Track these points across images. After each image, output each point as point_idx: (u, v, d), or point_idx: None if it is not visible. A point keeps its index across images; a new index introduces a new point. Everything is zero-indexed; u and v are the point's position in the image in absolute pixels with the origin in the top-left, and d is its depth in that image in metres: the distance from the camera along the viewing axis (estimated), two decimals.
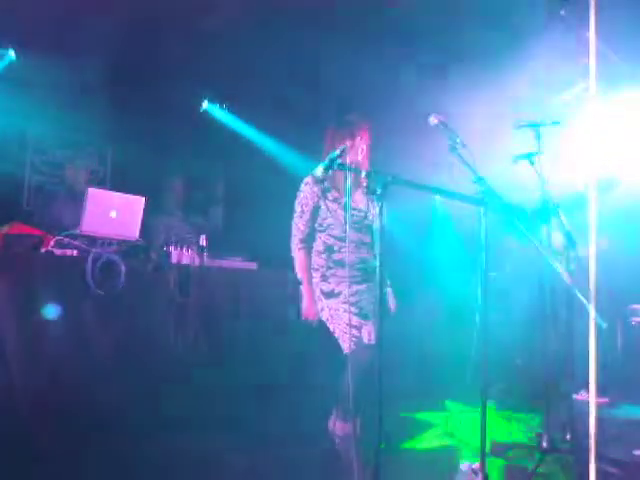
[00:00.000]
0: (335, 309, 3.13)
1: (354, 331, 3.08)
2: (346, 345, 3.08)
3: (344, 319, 3.09)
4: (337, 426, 3.13)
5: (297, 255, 3.24)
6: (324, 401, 3.28)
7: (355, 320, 3.10)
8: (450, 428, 3.93)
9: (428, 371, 5.12)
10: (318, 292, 3.20)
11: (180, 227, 5.17)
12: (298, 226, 3.24)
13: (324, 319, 3.19)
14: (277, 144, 5.92)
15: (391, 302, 3.32)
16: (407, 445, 3.58)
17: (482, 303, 2.51)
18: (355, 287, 3.14)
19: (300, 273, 3.24)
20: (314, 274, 3.23)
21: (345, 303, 3.10)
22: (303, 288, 3.23)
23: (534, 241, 2.89)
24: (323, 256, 3.21)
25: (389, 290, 3.32)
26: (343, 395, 3.09)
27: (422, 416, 4.20)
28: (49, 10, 4.27)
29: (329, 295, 3.16)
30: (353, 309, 3.10)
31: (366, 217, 3.26)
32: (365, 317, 3.12)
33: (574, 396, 4.47)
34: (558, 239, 3.57)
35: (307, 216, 3.22)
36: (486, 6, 4.71)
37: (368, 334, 3.07)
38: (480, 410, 2.40)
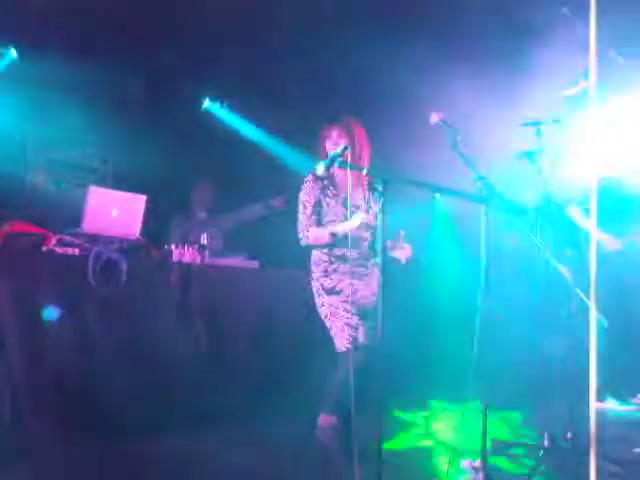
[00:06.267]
0: (335, 307, 3.14)
1: (351, 331, 3.09)
2: (341, 344, 3.10)
3: (343, 318, 3.11)
4: (321, 418, 3.15)
5: (309, 234, 3.21)
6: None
7: (354, 319, 3.11)
8: (430, 428, 3.92)
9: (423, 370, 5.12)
10: (319, 287, 3.21)
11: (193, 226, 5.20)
12: (302, 222, 3.26)
13: (322, 315, 3.20)
14: (278, 143, 5.93)
15: (402, 252, 3.15)
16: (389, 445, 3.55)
17: (482, 302, 2.52)
18: (355, 283, 3.15)
19: (323, 238, 3.17)
20: (315, 269, 3.24)
21: (345, 302, 3.11)
22: (337, 233, 3.14)
23: (535, 240, 2.90)
24: (325, 251, 3.22)
25: (401, 235, 3.15)
26: (332, 391, 3.12)
27: (405, 416, 4.18)
28: (50, 9, 4.27)
29: (330, 292, 3.17)
30: (353, 309, 3.11)
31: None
32: (363, 317, 3.12)
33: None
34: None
35: (310, 211, 3.23)
36: (487, 5, 4.72)
37: (363, 335, 3.08)
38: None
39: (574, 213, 4.48)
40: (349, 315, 3.11)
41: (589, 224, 4.42)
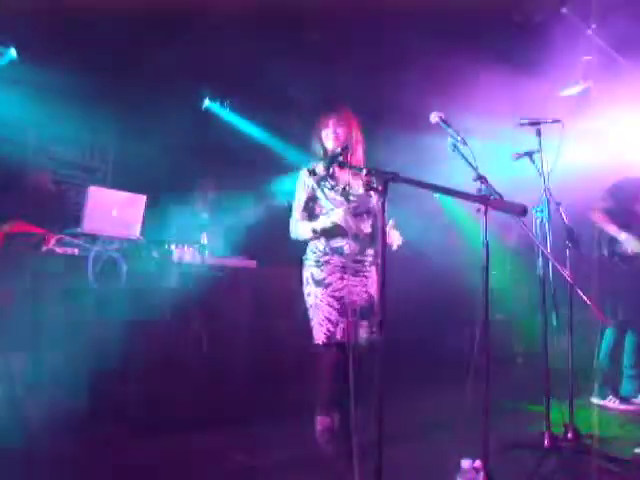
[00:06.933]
0: (320, 299, 3.11)
1: (330, 326, 3.08)
2: (318, 337, 3.09)
3: (324, 311, 3.09)
4: (317, 420, 3.13)
5: (298, 225, 3.20)
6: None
7: (334, 315, 3.08)
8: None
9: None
10: (309, 276, 3.17)
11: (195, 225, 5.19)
12: (294, 215, 3.25)
13: (307, 304, 3.17)
14: (279, 142, 5.94)
15: (393, 238, 3.07)
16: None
17: (484, 301, 2.52)
18: (346, 279, 3.10)
19: (308, 228, 3.15)
20: (309, 257, 3.21)
21: (331, 296, 3.09)
22: (321, 225, 3.13)
23: (535, 239, 2.89)
24: (322, 241, 3.17)
25: (391, 224, 3.10)
26: (320, 392, 3.11)
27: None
28: (50, 9, 4.27)
29: (318, 283, 3.13)
30: (336, 304, 3.09)
31: (365, 203, 3.22)
32: (349, 314, 3.08)
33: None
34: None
35: (302, 206, 3.22)
36: (488, 6, 4.72)
37: (342, 331, 3.05)
38: None
39: (597, 217, 4.46)
40: (331, 310, 3.08)
41: (612, 228, 4.41)
